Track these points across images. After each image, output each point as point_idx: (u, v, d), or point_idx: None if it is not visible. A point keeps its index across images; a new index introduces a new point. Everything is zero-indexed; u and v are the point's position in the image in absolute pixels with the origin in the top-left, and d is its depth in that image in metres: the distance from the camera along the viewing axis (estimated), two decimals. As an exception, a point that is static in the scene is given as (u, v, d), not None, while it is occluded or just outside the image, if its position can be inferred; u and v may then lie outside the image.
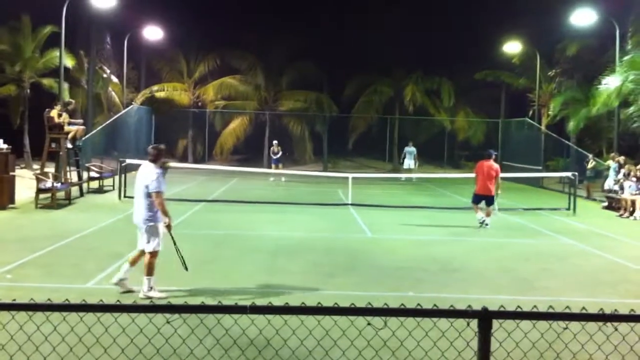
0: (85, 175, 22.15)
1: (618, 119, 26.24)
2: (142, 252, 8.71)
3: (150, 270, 8.46)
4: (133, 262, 8.71)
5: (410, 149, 32.05)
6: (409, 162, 31.89)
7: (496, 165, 16.12)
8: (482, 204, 16.23)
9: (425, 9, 43.03)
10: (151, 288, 8.44)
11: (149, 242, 8.54)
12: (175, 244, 8.64)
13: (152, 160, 8.72)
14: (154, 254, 8.52)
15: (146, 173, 8.60)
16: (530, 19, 35.02)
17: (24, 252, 11.10)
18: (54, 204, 17.30)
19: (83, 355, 5.11)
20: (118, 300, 8.23)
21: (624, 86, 24.70)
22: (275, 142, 30.88)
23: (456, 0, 43.39)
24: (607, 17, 26.71)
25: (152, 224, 8.55)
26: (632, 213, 19.20)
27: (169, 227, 8.55)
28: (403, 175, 30.69)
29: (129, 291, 8.61)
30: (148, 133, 35.46)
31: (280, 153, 30.33)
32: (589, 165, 25.36)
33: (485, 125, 42.03)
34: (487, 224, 15.95)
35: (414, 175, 30.65)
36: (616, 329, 4.73)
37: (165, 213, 8.50)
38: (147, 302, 8.23)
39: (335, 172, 33.75)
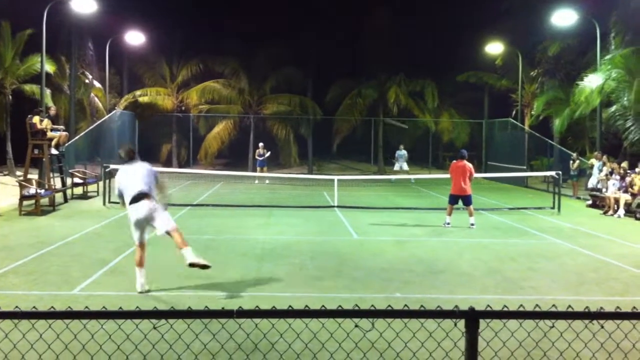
0: (69, 181, 21.99)
1: (600, 118, 26.46)
2: (142, 250, 8.90)
3: (185, 241, 8.73)
4: (140, 264, 8.82)
5: (402, 152, 32.12)
6: (400, 165, 31.98)
7: (469, 165, 16.39)
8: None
9: (407, 11, 43.24)
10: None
11: (169, 220, 8.86)
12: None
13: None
14: (178, 228, 8.86)
15: (147, 168, 9.05)
16: (512, 20, 35.30)
17: (7, 260, 10.99)
18: (38, 211, 17.15)
19: (69, 363, 5.06)
20: (104, 307, 8.19)
21: (606, 84, 24.94)
22: (261, 144, 30.85)
23: (438, 2, 43.66)
24: (588, 17, 26.94)
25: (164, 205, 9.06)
26: (615, 211, 19.37)
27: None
28: (393, 177, 30.77)
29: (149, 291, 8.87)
30: (132, 138, 35.29)
31: (267, 154, 30.32)
32: (574, 165, 25.55)
33: (469, 126, 42.27)
34: (472, 224, 16.13)
35: (412, 177, 30.76)
36: (602, 327, 4.75)
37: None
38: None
39: (320, 174, 33.79)
